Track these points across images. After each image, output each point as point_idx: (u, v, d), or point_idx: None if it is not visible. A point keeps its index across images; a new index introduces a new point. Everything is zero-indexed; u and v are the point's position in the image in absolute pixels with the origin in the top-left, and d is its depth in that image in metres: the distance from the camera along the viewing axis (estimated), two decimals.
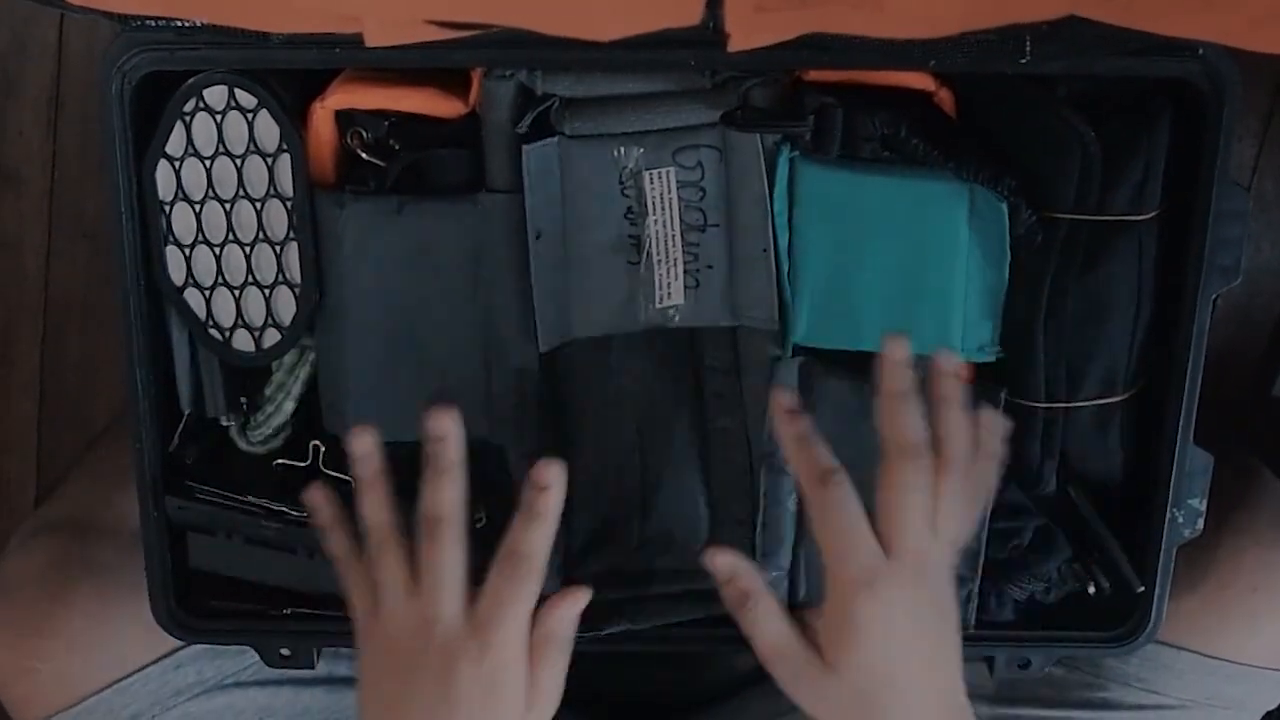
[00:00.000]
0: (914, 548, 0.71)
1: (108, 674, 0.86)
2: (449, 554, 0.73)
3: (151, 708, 0.87)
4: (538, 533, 0.73)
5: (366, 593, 0.74)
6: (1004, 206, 0.73)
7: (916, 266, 0.75)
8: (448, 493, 0.73)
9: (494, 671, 0.72)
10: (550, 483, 0.72)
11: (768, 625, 0.74)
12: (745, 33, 0.60)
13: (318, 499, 0.76)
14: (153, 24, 0.72)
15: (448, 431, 0.73)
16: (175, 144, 0.75)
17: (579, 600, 0.75)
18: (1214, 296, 0.75)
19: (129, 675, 0.87)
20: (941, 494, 0.71)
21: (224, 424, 0.83)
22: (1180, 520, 0.80)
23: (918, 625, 0.71)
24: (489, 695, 0.73)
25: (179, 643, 0.86)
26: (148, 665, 0.87)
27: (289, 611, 0.84)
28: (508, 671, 0.73)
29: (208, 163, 0.76)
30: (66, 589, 0.87)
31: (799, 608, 0.75)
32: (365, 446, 0.74)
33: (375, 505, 0.74)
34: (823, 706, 0.73)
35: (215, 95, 0.74)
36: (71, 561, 0.88)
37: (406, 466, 0.81)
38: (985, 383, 0.78)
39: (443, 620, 0.72)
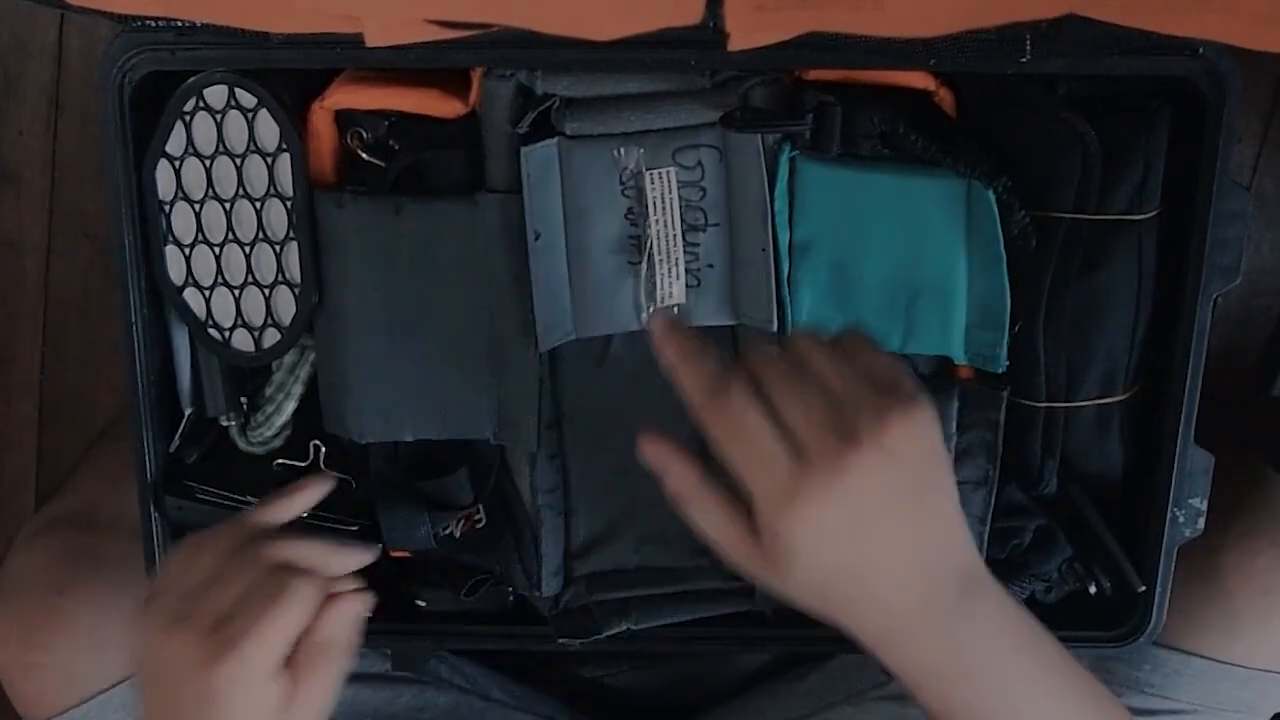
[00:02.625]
0: (820, 447, 0.63)
1: (117, 670, 0.86)
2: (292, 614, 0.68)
3: None
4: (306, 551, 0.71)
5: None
6: (994, 204, 0.72)
7: (917, 264, 0.75)
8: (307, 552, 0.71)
9: (235, 682, 0.67)
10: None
11: (711, 521, 0.67)
12: (745, 32, 0.60)
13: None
14: (153, 24, 0.72)
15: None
16: (175, 144, 0.75)
17: (355, 606, 0.71)
18: (1214, 296, 0.75)
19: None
20: (793, 387, 0.64)
21: (224, 424, 0.83)
22: (1181, 520, 0.80)
23: (856, 523, 0.63)
24: (240, 706, 0.67)
25: None
26: None
27: None
28: (257, 684, 0.67)
29: (208, 162, 0.76)
30: (73, 584, 0.86)
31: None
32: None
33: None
34: (786, 597, 0.67)
35: (215, 95, 0.74)
36: (78, 557, 0.88)
37: (406, 466, 0.82)
38: (987, 382, 0.77)
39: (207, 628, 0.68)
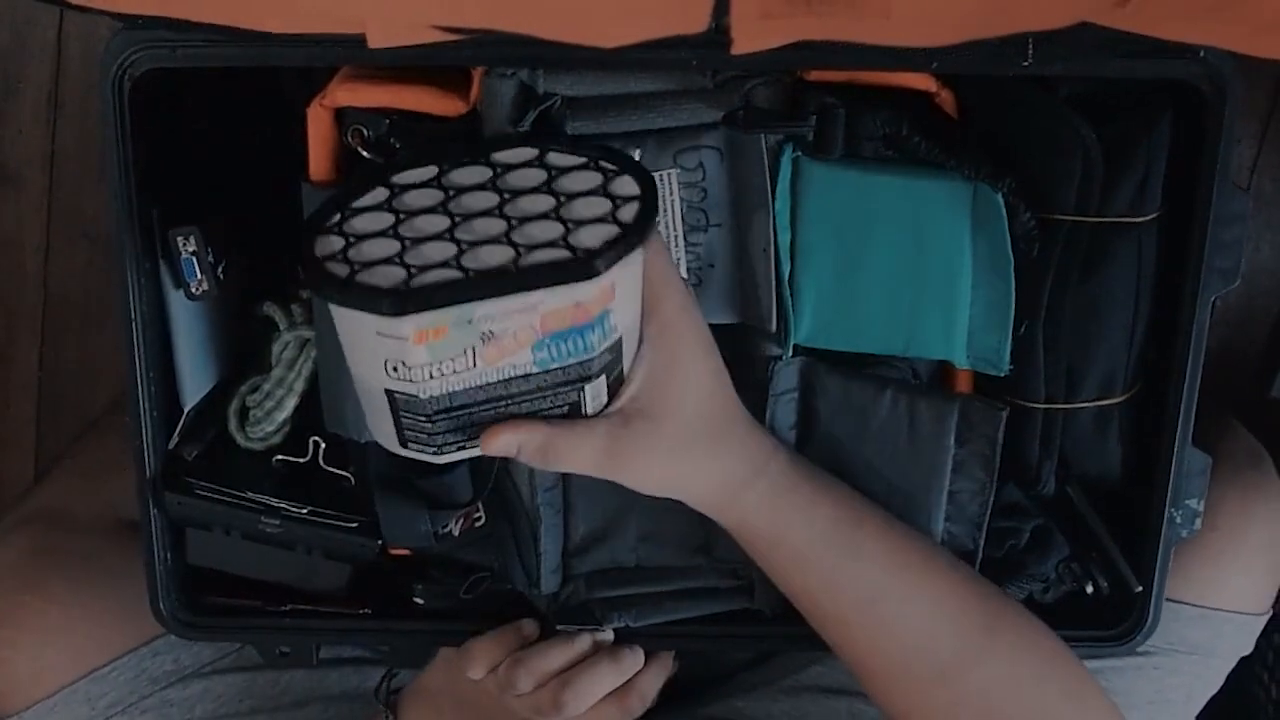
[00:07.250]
0: None
1: (84, 663, 0.86)
2: None
3: (129, 696, 0.87)
4: None
5: None
6: (1002, 206, 0.72)
7: (920, 266, 0.75)
8: None
9: None
10: None
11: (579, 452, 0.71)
12: (749, 38, 0.60)
13: None
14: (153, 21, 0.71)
15: None
16: None
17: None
18: (1213, 298, 0.76)
19: (105, 664, 0.87)
20: None
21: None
22: (1178, 520, 0.80)
23: None
24: None
25: (155, 630, 0.86)
26: (124, 654, 0.87)
27: (288, 608, 0.84)
28: None
29: None
30: (41, 579, 0.87)
31: None
32: None
33: None
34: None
35: None
36: (47, 552, 0.88)
37: (406, 464, 0.81)
38: (986, 397, 0.77)
39: None
